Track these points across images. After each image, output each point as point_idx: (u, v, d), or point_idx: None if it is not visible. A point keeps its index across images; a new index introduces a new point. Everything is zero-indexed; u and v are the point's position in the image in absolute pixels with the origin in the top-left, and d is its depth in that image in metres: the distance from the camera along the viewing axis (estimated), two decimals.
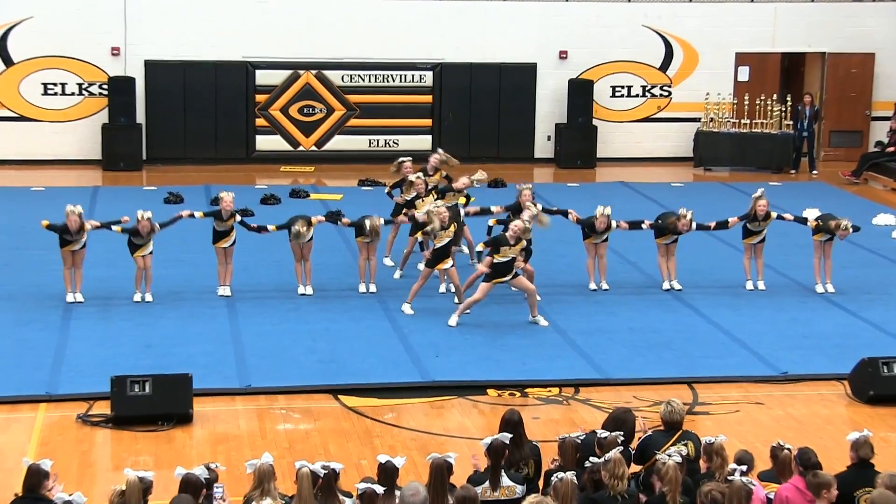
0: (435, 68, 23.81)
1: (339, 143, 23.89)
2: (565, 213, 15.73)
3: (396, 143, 23.66)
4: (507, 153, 23.96)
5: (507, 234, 14.11)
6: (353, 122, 23.83)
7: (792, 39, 24.83)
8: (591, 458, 8.57)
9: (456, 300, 14.87)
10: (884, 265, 17.36)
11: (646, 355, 13.47)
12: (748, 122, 24.09)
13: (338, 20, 23.52)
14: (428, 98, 23.88)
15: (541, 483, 8.92)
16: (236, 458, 10.52)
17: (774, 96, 24.14)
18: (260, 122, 23.57)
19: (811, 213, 16.65)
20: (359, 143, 23.87)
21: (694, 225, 15.47)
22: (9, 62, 22.86)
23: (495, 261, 14.08)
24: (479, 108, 23.92)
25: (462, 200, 16.03)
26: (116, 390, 11.52)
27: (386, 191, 16.82)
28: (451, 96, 23.86)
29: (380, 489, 8.06)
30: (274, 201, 19.91)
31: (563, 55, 24.20)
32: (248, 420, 11.74)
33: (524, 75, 24.02)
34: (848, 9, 24.75)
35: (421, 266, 16.12)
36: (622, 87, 24.57)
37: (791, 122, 24.00)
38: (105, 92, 22.90)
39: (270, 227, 15.24)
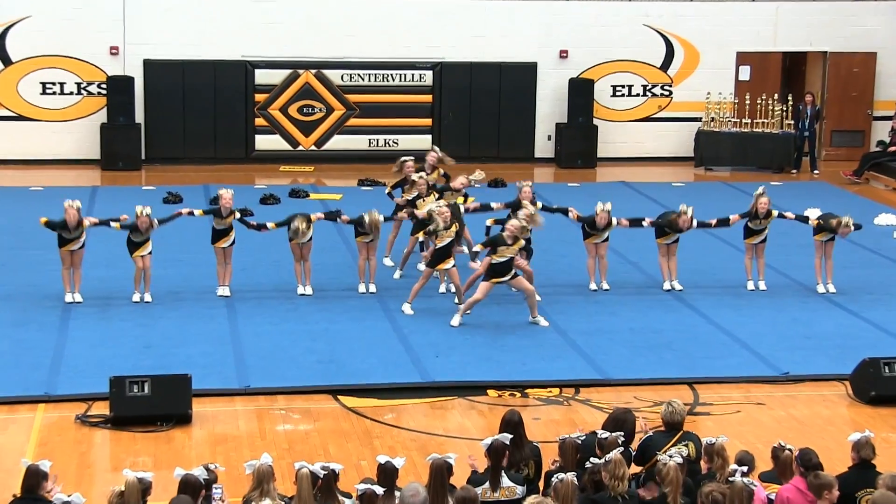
0: (435, 67, 23.78)
1: (338, 142, 23.86)
2: (565, 212, 15.70)
3: (396, 143, 23.62)
4: (507, 153, 23.93)
5: (503, 233, 14.07)
6: (352, 121, 23.79)
7: (793, 38, 24.80)
8: (592, 459, 8.55)
9: (456, 300, 14.83)
10: (885, 265, 17.33)
11: (646, 356, 13.44)
12: (749, 121, 24.06)
13: (337, 19, 23.49)
14: (428, 97, 23.84)
15: (541, 484, 8.89)
16: (235, 458, 10.49)
17: (776, 96, 24.11)
18: (259, 121, 23.54)
19: (813, 213, 16.61)
20: (358, 142, 23.84)
21: (695, 222, 15.43)
22: (7, 61, 22.83)
23: (493, 261, 14.04)
24: (480, 107, 23.88)
25: (460, 200, 15.99)
26: (115, 391, 11.49)
27: (387, 191, 16.77)
28: (452, 96, 23.82)
29: (379, 490, 8.05)
30: (273, 201, 19.88)
31: (563, 54, 24.17)
32: (247, 421, 11.71)
33: (524, 74, 23.99)
34: (849, 8, 24.72)
35: (421, 266, 16.10)
36: (623, 86, 24.54)
37: (792, 122, 23.97)
38: (104, 91, 22.87)
39: (270, 225, 15.21)
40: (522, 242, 14.24)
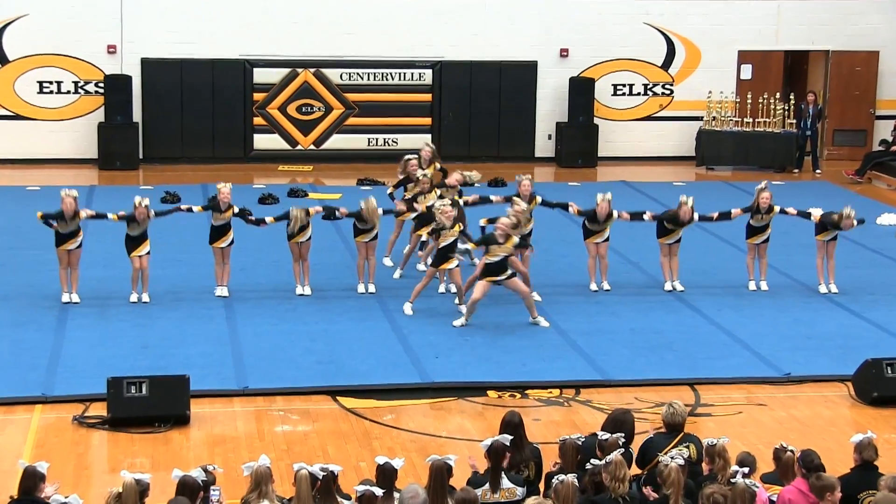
0: (435, 66, 23.73)
1: (337, 141, 23.81)
2: (565, 207, 15.64)
3: (395, 142, 23.57)
4: (507, 152, 23.88)
5: (495, 232, 13.99)
6: (351, 120, 23.75)
7: (795, 37, 24.75)
8: (592, 461, 8.51)
9: (456, 301, 14.77)
10: (887, 265, 17.28)
11: (647, 356, 13.39)
12: (751, 120, 24.01)
13: (336, 18, 23.45)
14: (427, 97, 23.79)
15: (541, 485, 8.84)
16: (234, 459, 10.44)
17: (777, 95, 24.07)
18: (258, 120, 23.49)
19: (814, 213, 16.55)
20: (358, 141, 23.79)
21: (696, 216, 15.36)
22: (4, 60, 22.78)
23: (487, 260, 13.98)
24: (480, 106, 23.84)
25: (455, 197, 15.93)
26: (113, 392, 11.44)
27: (388, 191, 16.67)
28: (451, 95, 23.78)
29: (379, 491, 8.02)
30: (272, 201, 19.82)
31: (563, 53, 24.13)
32: (245, 422, 11.66)
33: (525, 73, 23.94)
34: (852, 6, 24.67)
35: (421, 266, 16.05)
36: (623, 85, 24.50)
37: (794, 121, 23.93)
38: (101, 90, 22.82)
39: (268, 220, 15.17)
40: (516, 240, 14.14)
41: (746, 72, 24.65)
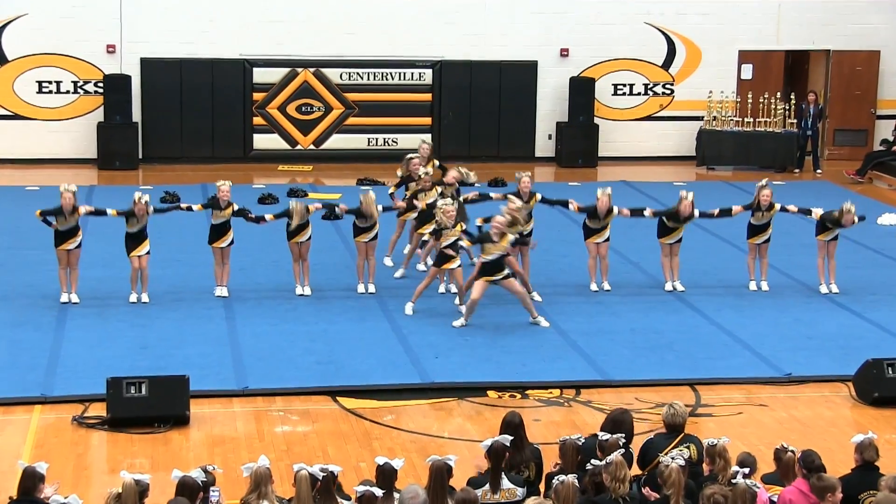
0: (435, 66, 23.71)
1: (337, 141, 23.79)
2: (566, 204, 15.61)
3: (395, 142, 23.55)
4: (507, 152, 23.86)
5: (490, 231, 13.96)
6: (351, 120, 23.73)
7: (796, 37, 24.73)
8: (593, 461, 8.49)
9: (457, 301, 14.74)
10: (888, 265, 17.26)
11: (648, 356, 13.37)
12: (751, 120, 23.99)
13: (336, 17, 23.43)
14: (427, 96, 23.77)
15: (542, 486, 8.82)
16: (233, 460, 10.41)
17: (778, 94, 24.05)
18: (257, 120, 23.47)
19: (815, 211, 16.52)
20: (357, 141, 23.77)
21: (696, 212, 15.33)
22: (3, 60, 22.77)
23: (483, 259, 13.95)
24: (480, 106, 23.82)
25: (453, 194, 15.92)
26: (112, 392, 11.42)
27: (389, 191, 16.60)
28: (451, 94, 23.76)
29: (379, 492, 8.00)
30: (271, 201, 19.80)
31: (564, 53, 24.10)
32: (245, 422, 11.63)
33: (525, 73, 23.93)
34: (853, 6, 24.65)
35: (421, 266, 16.03)
36: (624, 85, 24.47)
37: (795, 121, 23.91)
38: (100, 90, 22.80)
39: (268, 217, 15.15)
40: (511, 237, 14.10)
41: (747, 71, 24.63)
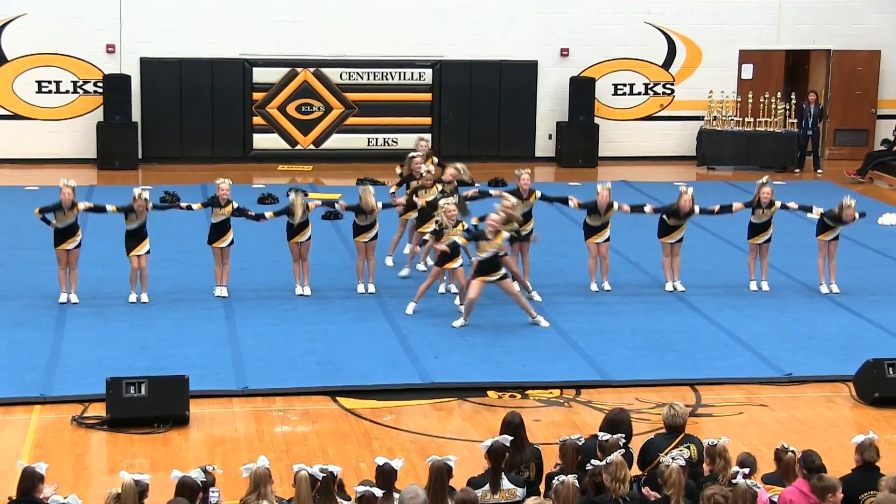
0: (435, 66, 23.69)
1: (337, 141, 23.77)
2: (565, 201, 15.59)
3: (395, 142, 23.53)
4: (507, 152, 23.84)
5: (485, 228, 13.93)
6: (351, 120, 23.71)
7: (796, 36, 24.71)
8: (593, 461, 8.47)
9: (457, 301, 14.72)
10: (889, 265, 17.25)
11: (648, 357, 13.35)
12: (752, 120, 23.98)
13: (336, 17, 23.42)
14: (427, 96, 23.76)
15: (542, 486, 8.80)
16: (233, 460, 10.40)
17: (779, 94, 24.04)
18: (257, 120, 23.46)
19: (814, 213, 16.50)
20: (357, 141, 23.75)
21: (697, 208, 15.31)
22: (3, 59, 22.76)
23: (478, 257, 13.94)
24: (480, 106, 23.80)
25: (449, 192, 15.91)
26: (112, 392, 11.40)
27: (391, 191, 16.57)
28: (451, 94, 23.74)
29: (378, 492, 7.98)
30: (271, 201, 19.78)
31: (564, 52, 24.09)
32: (245, 422, 11.62)
33: (525, 73, 23.91)
34: (853, 5, 24.63)
35: (420, 266, 16.02)
36: (624, 84, 24.46)
37: (795, 121, 23.90)
38: (100, 90, 22.79)
39: (268, 214, 15.15)
40: (506, 235, 14.07)
41: (747, 71, 24.61)
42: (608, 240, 15.52)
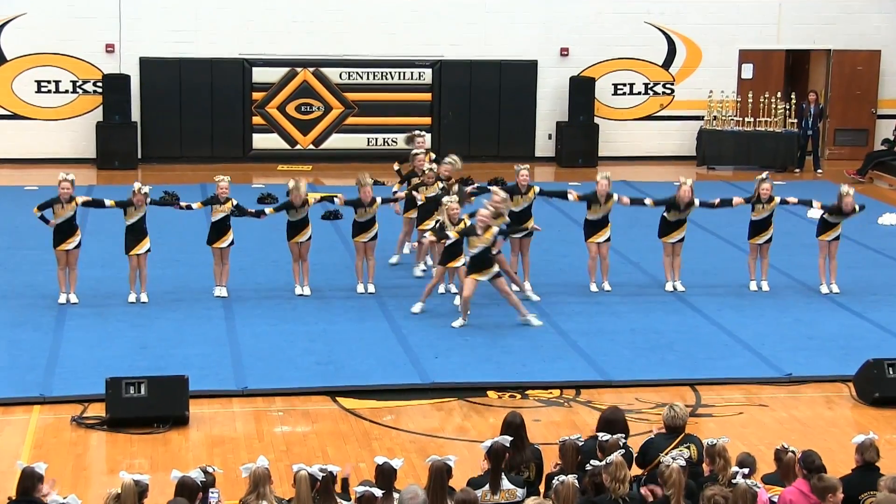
0: (434, 65, 23.69)
1: (337, 141, 23.76)
2: (564, 195, 15.59)
3: (395, 142, 23.51)
4: (507, 152, 23.82)
5: (476, 223, 13.91)
6: (351, 120, 23.70)
7: (796, 36, 24.71)
8: (593, 461, 8.46)
9: (457, 301, 14.71)
10: (889, 265, 17.24)
11: (648, 357, 13.34)
12: (752, 120, 23.98)
13: (336, 17, 23.41)
14: (427, 96, 23.75)
15: (542, 486, 8.79)
16: (233, 460, 10.38)
17: (779, 94, 24.04)
18: (257, 120, 23.45)
19: (815, 213, 16.52)
20: (357, 141, 23.74)
21: (697, 201, 15.29)
22: (2, 59, 22.76)
23: (469, 253, 13.91)
24: (479, 105, 23.80)
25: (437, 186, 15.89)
26: (111, 392, 11.38)
27: (393, 189, 16.55)
28: (451, 94, 23.73)
29: (378, 492, 7.97)
30: (271, 200, 19.73)
31: (564, 52, 24.08)
32: (244, 422, 11.60)
33: (525, 73, 23.90)
34: (853, 5, 24.63)
35: (421, 266, 16.01)
36: (624, 84, 24.45)
37: (795, 121, 23.89)
38: (99, 90, 22.78)
39: (268, 210, 15.12)
40: (495, 230, 14.04)
41: (747, 71, 24.60)
42: (608, 240, 15.50)
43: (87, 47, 22.79)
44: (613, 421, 9.12)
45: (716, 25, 24.34)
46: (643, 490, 8.45)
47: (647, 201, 15.57)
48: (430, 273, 15.41)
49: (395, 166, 17.06)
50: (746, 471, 8.31)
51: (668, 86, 24.56)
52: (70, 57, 22.83)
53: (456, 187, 15.25)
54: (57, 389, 12.10)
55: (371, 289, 15.25)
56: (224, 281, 15.09)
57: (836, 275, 15.67)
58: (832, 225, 15.52)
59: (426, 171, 15.79)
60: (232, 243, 15.05)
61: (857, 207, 15.36)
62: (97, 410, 11.57)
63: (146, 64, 22.89)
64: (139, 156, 22.96)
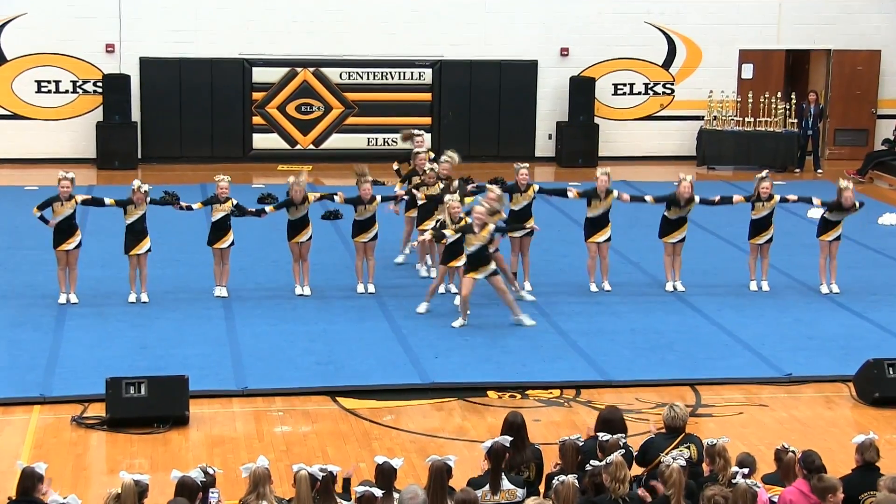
0: (434, 65, 23.68)
1: (337, 141, 23.76)
2: (564, 192, 15.59)
3: (395, 142, 23.49)
4: (507, 152, 23.81)
5: (471, 221, 13.90)
6: (351, 120, 23.70)
7: (797, 36, 24.70)
8: (593, 462, 8.46)
9: (457, 301, 14.70)
10: (890, 265, 17.24)
11: (648, 357, 13.34)
12: (752, 120, 23.97)
13: (336, 17, 23.41)
14: (427, 96, 23.75)
15: (542, 486, 8.79)
16: (233, 460, 10.38)
17: (779, 94, 24.03)
18: (257, 120, 23.44)
19: (815, 213, 16.52)
20: (357, 141, 23.73)
21: (698, 198, 15.29)
22: (2, 59, 22.75)
23: (466, 251, 13.90)
24: (480, 106, 23.79)
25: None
26: (111, 392, 11.39)
27: (396, 189, 16.53)
28: (451, 94, 23.73)
29: (378, 492, 7.97)
30: (271, 201, 19.68)
31: (564, 52, 24.08)
32: (244, 422, 11.60)
33: (525, 73, 23.90)
34: (853, 5, 24.62)
35: (420, 266, 16.01)
36: (624, 84, 24.45)
37: (795, 121, 23.89)
38: (99, 90, 22.78)
39: (268, 209, 15.12)
40: (492, 227, 14.03)
41: (748, 71, 24.60)
42: (609, 240, 15.50)
43: (87, 47, 22.79)
44: (611, 420, 9.12)
45: (716, 25, 24.34)
46: (640, 491, 8.45)
47: (648, 198, 15.60)
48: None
49: (395, 166, 17.08)
50: (746, 471, 8.32)
51: (668, 86, 24.56)
52: (70, 57, 22.83)
53: (456, 183, 15.25)
54: (57, 389, 12.10)
55: (371, 289, 15.25)
56: (224, 281, 15.09)
57: (837, 275, 15.66)
58: (833, 225, 15.52)
59: (427, 171, 15.78)
60: (232, 244, 15.05)
61: (857, 203, 15.36)
62: (97, 410, 11.58)
63: (146, 64, 22.89)
64: (139, 156, 22.96)
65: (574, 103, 23.81)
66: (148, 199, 14.53)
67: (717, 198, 15.73)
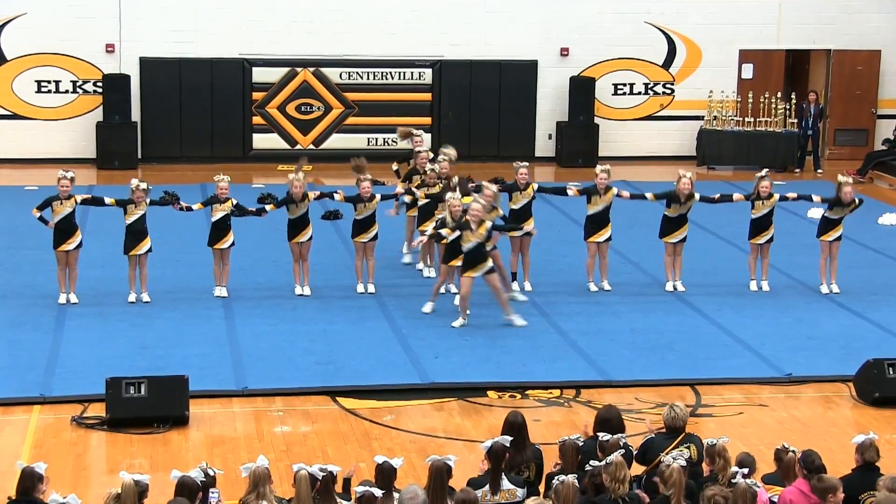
0: (434, 65, 23.68)
1: (337, 141, 23.75)
2: (563, 191, 15.59)
3: (395, 142, 23.49)
4: (507, 152, 23.79)
5: (468, 218, 13.90)
6: (351, 120, 23.70)
7: (797, 36, 24.70)
8: (592, 462, 8.46)
9: (457, 301, 14.70)
10: (890, 265, 17.24)
11: (648, 357, 13.34)
12: (752, 120, 23.97)
13: (336, 17, 23.41)
14: (427, 96, 23.75)
15: (542, 486, 8.79)
16: (233, 460, 10.39)
17: (779, 94, 24.03)
18: (257, 120, 23.44)
19: (815, 213, 16.52)
20: (357, 141, 23.72)
21: (698, 196, 15.28)
22: (2, 59, 22.74)
23: (462, 248, 13.89)
24: (480, 105, 23.79)
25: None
26: (111, 392, 11.39)
27: (397, 188, 16.52)
28: (451, 94, 23.73)
29: (378, 492, 7.97)
30: (271, 200, 19.69)
31: (564, 52, 24.08)
32: (244, 422, 11.60)
33: (525, 73, 23.90)
34: (853, 5, 24.62)
35: (420, 266, 16.01)
36: (624, 84, 24.45)
37: (795, 121, 23.88)
38: (99, 90, 22.78)
39: (268, 207, 15.11)
40: (489, 225, 14.02)
41: (748, 71, 24.60)
42: (609, 239, 15.50)
43: (87, 47, 22.79)
44: (608, 419, 9.12)
45: (716, 25, 24.34)
46: (638, 493, 8.45)
47: (648, 195, 15.63)
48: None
49: (394, 166, 17.07)
50: (746, 471, 8.32)
51: (668, 86, 24.56)
52: (70, 57, 22.83)
53: (456, 179, 15.23)
54: (57, 389, 12.10)
55: (371, 289, 15.25)
56: (224, 281, 15.09)
57: (837, 275, 15.66)
58: (833, 225, 15.53)
59: (427, 172, 15.77)
60: (232, 244, 15.05)
61: (856, 199, 15.38)
62: (97, 410, 11.58)
63: (146, 64, 22.89)
64: (139, 156, 22.96)
65: (574, 103, 23.81)
66: (148, 198, 14.52)
67: (717, 196, 15.76)
